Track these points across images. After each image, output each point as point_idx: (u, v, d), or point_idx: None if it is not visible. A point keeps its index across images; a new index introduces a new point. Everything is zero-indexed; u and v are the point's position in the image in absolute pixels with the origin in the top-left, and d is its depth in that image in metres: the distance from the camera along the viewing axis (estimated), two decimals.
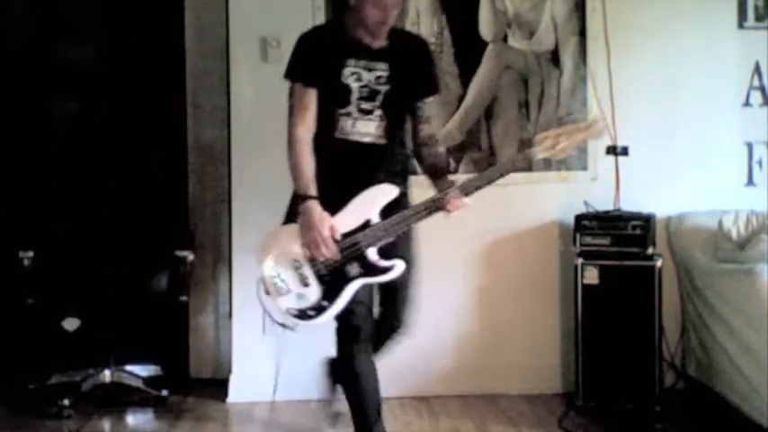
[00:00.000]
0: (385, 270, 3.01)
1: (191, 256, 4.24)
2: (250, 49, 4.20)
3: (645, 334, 3.87)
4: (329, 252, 2.97)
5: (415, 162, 3.36)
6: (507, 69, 4.27)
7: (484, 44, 4.24)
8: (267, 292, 3.06)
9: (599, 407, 3.90)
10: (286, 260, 3.04)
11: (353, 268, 3.00)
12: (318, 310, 3.01)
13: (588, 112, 4.23)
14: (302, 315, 3.03)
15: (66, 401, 3.98)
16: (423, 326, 4.17)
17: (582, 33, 4.25)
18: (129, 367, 4.29)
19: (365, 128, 3.10)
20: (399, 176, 3.18)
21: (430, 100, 3.23)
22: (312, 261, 3.01)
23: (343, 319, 3.08)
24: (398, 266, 3.01)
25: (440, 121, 4.19)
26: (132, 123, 4.76)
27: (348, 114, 3.08)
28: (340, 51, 3.08)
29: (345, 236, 3.00)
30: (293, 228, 3.04)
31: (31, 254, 4.09)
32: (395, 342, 3.34)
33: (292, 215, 3.07)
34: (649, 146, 4.20)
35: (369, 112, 3.09)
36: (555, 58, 4.27)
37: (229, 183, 4.35)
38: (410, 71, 3.14)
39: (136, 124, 4.76)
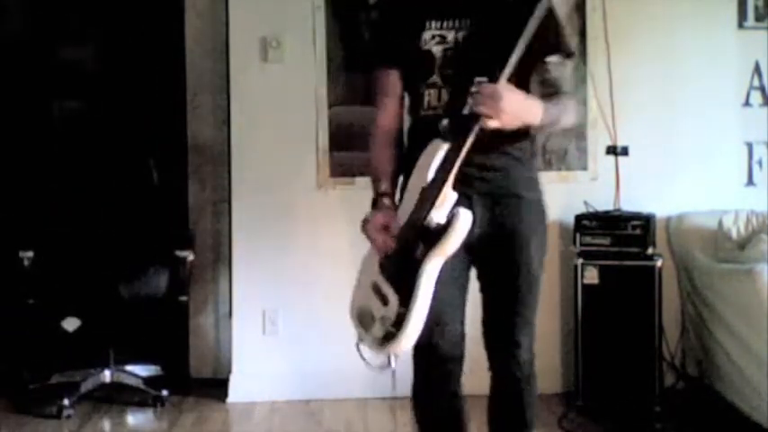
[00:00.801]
0: (444, 228, 2.33)
1: (191, 256, 4.24)
2: (250, 49, 4.20)
3: (645, 334, 3.87)
4: (384, 244, 2.41)
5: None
6: None
7: None
8: (360, 338, 2.51)
9: (599, 407, 3.90)
10: (368, 284, 2.50)
11: (418, 249, 2.36)
12: (398, 322, 2.36)
13: (588, 113, 4.23)
14: (387, 338, 2.40)
15: (66, 401, 3.97)
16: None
17: (582, 33, 4.25)
18: (129, 367, 4.29)
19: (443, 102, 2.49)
20: (508, 165, 2.53)
21: (554, 60, 2.49)
22: (385, 272, 2.45)
23: (423, 347, 2.49)
24: (462, 216, 2.32)
25: None
26: (132, 123, 4.76)
27: (433, 85, 2.49)
28: (418, 13, 2.51)
29: (406, 223, 2.43)
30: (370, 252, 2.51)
31: (30, 254, 4.09)
32: (523, 399, 2.65)
33: None
34: (649, 146, 4.20)
35: (457, 79, 2.45)
36: None
37: (229, 183, 4.35)
38: (508, 28, 2.34)
39: (136, 124, 4.76)
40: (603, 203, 4.10)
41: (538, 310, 2.58)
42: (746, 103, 4.33)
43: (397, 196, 2.53)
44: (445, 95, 2.47)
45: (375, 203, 2.48)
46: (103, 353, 4.21)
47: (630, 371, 3.87)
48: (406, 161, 2.53)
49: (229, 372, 4.29)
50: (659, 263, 3.87)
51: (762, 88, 4.32)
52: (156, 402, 4.13)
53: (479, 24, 2.46)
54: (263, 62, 4.19)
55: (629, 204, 4.08)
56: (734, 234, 4.03)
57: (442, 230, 2.32)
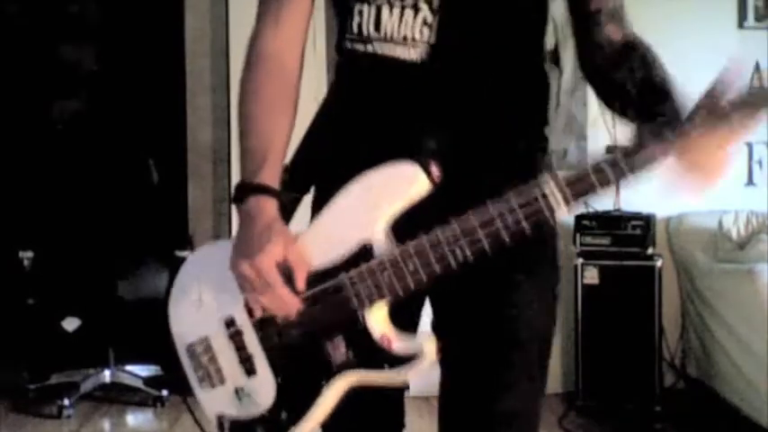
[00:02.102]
0: (397, 360, 1.44)
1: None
2: None
3: (645, 334, 3.86)
4: (286, 310, 1.44)
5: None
6: None
7: None
8: (187, 378, 1.69)
9: (599, 407, 3.90)
10: (215, 317, 1.57)
11: (337, 347, 1.46)
12: (274, 428, 1.52)
13: (588, 112, 4.23)
14: (247, 429, 1.56)
15: (66, 401, 3.97)
16: (422, 326, 4.18)
17: None
18: (129, 367, 4.29)
19: (403, 27, 1.46)
20: (503, 137, 1.52)
21: None
22: (261, 325, 1.51)
23: None
24: (426, 356, 1.44)
25: None
26: (132, 123, 4.76)
27: (370, 2, 1.48)
28: None
29: (325, 274, 1.46)
30: (227, 251, 1.48)
31: (30, 254, 4.09)
32: None
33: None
34: None
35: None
36: (555, 58, 4.26)
37: (229, 183, 4.35)
38: None
39: (135, 124, 4.76)
40: (603, 203, 4.10)
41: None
42: None
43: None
44: (387, 19, 1.46)
45: (245, 196, 1.51)
46: (103, 353, 4.21)
47: (630, 371, 3.87)
48: (323, 127, 1.59)
49: None
50: (659, 263, 3.87)
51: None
52: (156, 402, 4.12)
53: None
54: None
55: (629, 204, 4.08)
56: (734, 234, 4.03)
57: (391, 358, 1.43)
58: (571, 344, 4.04)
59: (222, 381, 1.56)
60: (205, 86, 4.55)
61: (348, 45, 1.50)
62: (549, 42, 4.26)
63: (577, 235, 3.98)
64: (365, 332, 1.43)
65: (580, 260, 3.93)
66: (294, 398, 1.48)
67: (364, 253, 1.42)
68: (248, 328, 1.51)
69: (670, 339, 4.09)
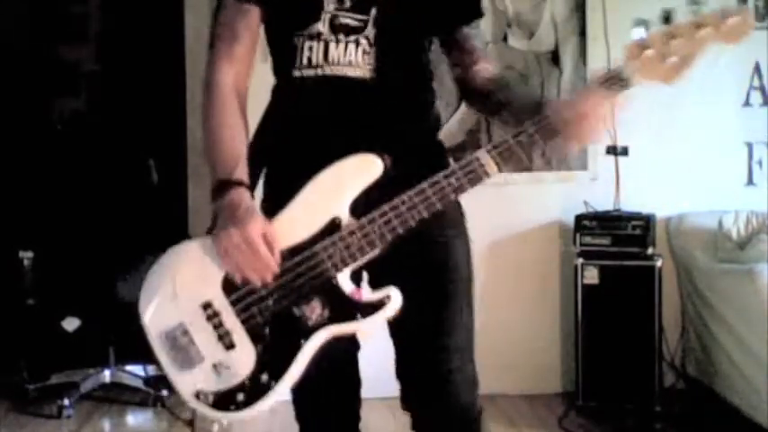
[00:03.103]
0: (370, 308, 1.75)
1: None
2: None
3: (645, 334, 3.86)
4: (267, 273, 1.74)
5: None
6: (507, 69, 4.26)
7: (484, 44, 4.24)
8: (160, 366, 1.92)
9: (599, 407, 3.90)
10: (191, 304, 1.81)
11: (313, 310, 1.74)
12: (254, 390, 1.76)
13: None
14: (225, 402, 1.79)
15: (66, 401, 3.97)
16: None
17: (582, 33, 4.25)
18: (129, 367, 4.29)
19: (347, 56, 1.85)
20: (424, 141, 1.98)
21: (475, 26, 2.05)
22: (239, 303, 1.78)
23: (300, 404, 2.04)
24: (394, 300, 1.75)
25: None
26: (132, 123, 4.76)
27: (316, 36, 1.85)
28: None
29: (295, 250, 1.77)
30: (203, 245, 1.87)
31: (30, 254, 4.09)
32: None
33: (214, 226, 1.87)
34: (649, 146, 4.20)
35: (354, 31, 1.85)
36: (555, 58, 4.27)
37: None
38: None
39: (135, 124, 4.76)
40: (603, 203, 4.10)
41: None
42: (746, 103, 4.32)
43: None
44: (333, 51, 1.84)
45: (221, 190, 1.84)
46: (103, 353, 4.21)
47: (630, 371, 3.87)
48: (269, 137, 1.96)
49: None
50: (659, 263, 3.87)
51: (762, 88, 4.32)
52: (156, 402, 4.13)
53: None
54: (263, 62, 4.17)
55: (629, 204, 4.08)
56: (734, 234, 4.03)
57: (363, 307, 1.74)
58: (571, 344, 4.04)
59: (201, 359, 1.80)
60: None
61: (297, 73, 1.88)
62: (550, 42, 4.26)
63: (577, 235, 3.98)
64: (338, 291, 1.74)
65: (580, 260, 3.93)
66: (275, 360, 1.75)
67: (333, 227, 1.75)
68: (226, 307, 1.78)
69: (670, 339, 4.09)
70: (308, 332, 1.75)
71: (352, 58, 1.85)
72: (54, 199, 4.47)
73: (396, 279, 1.79)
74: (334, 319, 1.76)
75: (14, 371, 4.37)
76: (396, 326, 1.85)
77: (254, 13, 1.92)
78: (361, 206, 1.78)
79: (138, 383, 4.21)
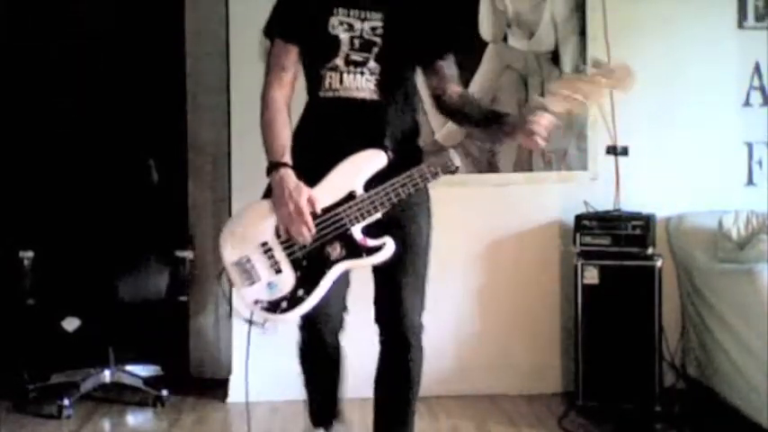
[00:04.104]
0: (372, 250, 2.59)
1: (191, 256, 4.24)
2: (250, 49, 4.19)
3: (645, 334, 3.87)
4: (307, 229, 2.55)
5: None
6: (507, 69, 4.27)
7: (484, 44, 4.25)
8: (232, 283, 2.64)
9: (599, 407, 3.90)
10: (254, 243, 2.62)
11: (335, 250, 2.59)
12: (293, 301, 2.60)
13: (588, 113, 4.23)
14: (273, 308, 2.61)
15: (66, 401, 3.97)
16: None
17: (582, 33, 4.25)
18: (129, 367, 4.29)
19: (356, 82, 2.67)
20: (408, 144, 2.77)
21: (448, 58, 2.79)
22: (285, 243, 2.61)
23: (308, 315, 2.71)
24: (388, 246, 2.59)
25: (440, 122, 4.19)
26: (132, 123, 4.76)
27: (335, 68, 2.68)
28: (327, 0, 2.70)
29: (325, 211, 2.59)
30: (263, 205, 2.64)
31: (30, 254, 4.09)
32: (412, 371, 2.84)
33: (269, 192, 2.64)
34: (649, 146, 4.21)
35: (360, 64, 2.67)
36: (555, 58, 4.27)
37: (229, 183, 4.35)
38: (415, 23, 2.72)
39: (136, 124, 4.76)
40: (603, 203, 4.11)
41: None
42: (746, 103, 4.33)
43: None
44: (346, 79, 2.67)
45: (275, 169, 2.59)
46: (103, 353, 4.21)
47: (630, 371, 3.87)
48: (303, 137, 2.70)
49: (229, 372, 4.29)
50: (659, 263, 3.87)
51: (762, 88, 4.32)
52: (156, 402, 4.13)
53: (390, 18, 2.69)
54: (263, 62, 4.17)
55: (629, 204, 4.08)
56: (734, 234, 4.03)
57: (367, 250, 2.61)
58: (571, 344, 4.04)
59: (259, 278, 2.62)
60: (205, 86, 4.55)
61: (322, 94, 2.70)
62: (550, 42, 4.26)
63: (577, 235, 3.98)
64: (352, 238, 2.60)
65: (580, 260, 3.93)
66: (308, 281, 2.60)
67: (351, 196, 2.61)
68: (276, 245, 2.62)
69: (670, 339, 4.09)
70: (331, 264, 2.61)
71: (359, 84, 2.68)
72: (54, 199, 4.47)
73: (383, 233, 2.63)
74: (348, 256, 2.60)
75: (14, 371, 4.37)
76: (381, 268, 2.69)
77: (294, 50, 2.72)
78: (370, 184, 2.61)
79: (138, 383, 4.22)
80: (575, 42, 4.25)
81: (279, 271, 2.61)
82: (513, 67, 4.26)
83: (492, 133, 2.83)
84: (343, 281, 2.78)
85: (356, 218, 2.59)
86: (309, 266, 2.60)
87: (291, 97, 2.73)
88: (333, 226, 2.60)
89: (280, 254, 2.62)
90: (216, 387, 4.35)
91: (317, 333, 2.84)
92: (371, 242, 2.60)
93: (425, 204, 2.82)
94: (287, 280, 2.61)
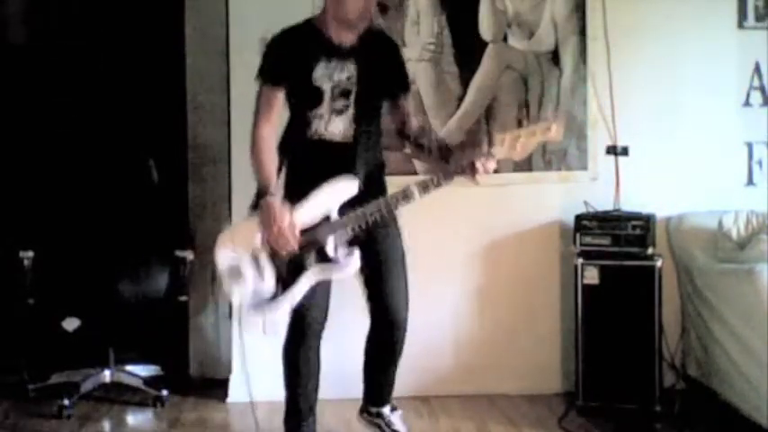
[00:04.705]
0: (340, 263, 3.09)
1: (191, 256, 4.24)
2: (250, 49, 4.19)
3: (645, 334, 3.87)
4: (289, 245, 3.04)
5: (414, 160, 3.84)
6: (507, 69, 4.27)
7: (484, 44, 4.25)
8: (223, 284, 3.13)
9: (599, 407, 3.90)
10: (244, 251, 3.10)
11: (310, 261, 3.09)
12: (273, 300, 3.09)
13: (588, 113, 4.24)
14: (258, 306, 3.10)
15: (66, 401, 3.98)
16: (423, 326, 4.18)
17: (582, 33, 4.25)
18: (129, 367, 4.29)
19: (338, 127, 3.19)
20: (376, 173, 3.30)
21: (406, 97, 3.39)
22: (270, 253, 3.08)
23: (297, 315, 3.21)
24: (354, 261, 3.09)
25: (440, 121, 4.19)
26: (132, 123, 4.76)
27: (321, 116, 3.18)
28: (311, 52, 3.17)
29: (305, 230, 3.08)
30: (253, 221, 3.11)
31: (30, 254, 4.09)
32: (397, 344, 3.38)
33: (256, 207, 3.13)
34: (649, 146, 4.21)
35: (341, 111, 3.19)
36: (555, 58, 4.27)
37: (229, 183, 4.35)
38: (381, 69, 3.24)
39: (136, 124, 4.76)
40: (603, 203, 4.10)
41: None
42: (746, 103, 4.33)
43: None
44: (330, 125, 3.19)
45: (263, 197, 3.08)
46: (103, 353, 4.22)
47: (630, 371, 3.88)
48: (298, 172, 3.23)
49: (229, 372, 4.29)
50: (659, 263, 3.87)
51: (762, 88, 4.32)
52: (156, 402, 4.13)
53: (361, 67, 3.19)
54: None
55: (629, 204, 4.08)
56: (734, 234, 4.03)
57: (335, 263, 3.10)
58: (571, 344, 4.04)
59: (245, 281, 3.08)
60: (205, 86, 4.55)
61: (309, 136, 3.21)
62: (550, 42, 4.26)
63: (577, 235, 3.98)
64: (324, 251, 3.09)
65: (580, 260, 3.93)
66: (287, 283, 3.08)
67: (326, 219, 3.10)
68: (262, 255, 3.09)
69: (670, 339, 4.09)
70: (306, 269, 3.10)
71: (338, 128, 3.20)
72: (54, 199, 4.47)
73: (368, 251, 3.18)
74: (321, 266, 3.10)
75: (14, 371, 4.37)
76: (367, 275, 3.29)
77: (281, 93, 3.21)
78: (344, 207, 3.12)
79: (138, 383, 4.22)
80: (575, 42, 4.25)
81: (263, 275, 3.09)
82: (513, 67, 4.26)
83: (440, 167, 3.19)
84: (326, 291, 3.24)
85: (329, 236, 3.09)
86: (288, 273, 3.08)
87: (277, 131, 3.22)
88: (310, 242, 3.09)
89: (264, 261, 3.09)
90: (216, 387, 4.35)
91: (303, 331, 3.27)
92: (341, 256, 3.09)
93: (395, 223, 3.33)
94: (269, 284, 3.09)
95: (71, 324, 4.20)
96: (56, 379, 4.23)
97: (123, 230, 4.26)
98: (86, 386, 4.14)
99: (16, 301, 4.14)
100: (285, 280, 3.08)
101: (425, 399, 4.20)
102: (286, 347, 3.34)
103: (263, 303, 3.08)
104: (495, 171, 4.34)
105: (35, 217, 4.50)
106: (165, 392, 4.15)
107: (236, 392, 4.22)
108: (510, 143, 3.06)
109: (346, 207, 3.10)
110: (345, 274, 3.11)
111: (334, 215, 3.09)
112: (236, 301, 3.11)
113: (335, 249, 3.09)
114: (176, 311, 4.38)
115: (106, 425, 3.98)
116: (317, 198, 3.11)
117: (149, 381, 4.24)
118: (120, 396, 4.21)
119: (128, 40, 4.80)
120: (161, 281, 4.21)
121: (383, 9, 4.12)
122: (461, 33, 4.23)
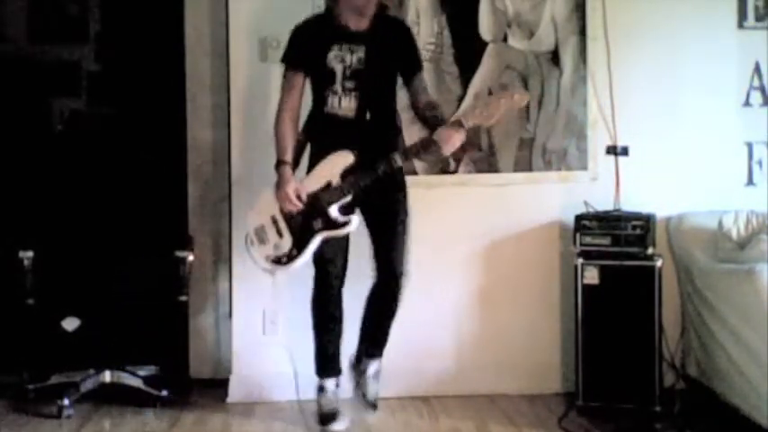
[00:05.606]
0: (342, 225, 3.57)
1: (190, 256, 4.24)
2: (250, 49, 4.20)
3: (645, 334, 3.87)
4: (293, 206, 3.55)
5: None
6: (507, 69, 4.27)
7: (484, 44, 4.24)
8: (252, 243, 3.65)
9: (599, 407, 3.90)
10: (266, 216, 3.63)
11: (317, 223, 3.57)
12: (290, 257, 3.60)
13: (588, 113, 4.24)
14: (277, 261, 3.62)
15: (66, 401, 3.97)
16: (423, 326, 4.18)
17: (582, 33, 4.25)
18: (128, 367, 4.29)
19: (349, 104, 3.60)
20: (385, 147, 3.60)
21: (418, 75, 3.73)
22: (286, 216, 3.59)
23: (320, 270, 3.71)
24: (353, 222, 3.58)
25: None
26: (132, 123, 4.76)
27: (335, 93, 3.61)
28: (326, 38, 3.62)
29: (311, 195, 3.56)
30: (269, 194, 3.64)
31: (30, 254, 4.09)
32: (394, 295, 3.70)
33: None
34: (649, 146, 4.21)
35: (351, 91, 3.60)
36: (555, 58, 4.27)
37: (229, 183, 4.35)
38: (392, 52, 3.65)
39: (135, 124, 4.76)
40: (603, 203, 4.10)
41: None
42: (746, 103, 4.33)
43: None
44: (343, 101, 3.61)
45: (279, 166, 3.59)
46: (103, 353, 4.21)
47: (630, 371, 3.87)
48: (317, 143, 3.67)
49: (229, 372, 4.29)
50: (659, 263, 3.87)
51: (762, 88, 4.32)
52: (156, 402, 4.13)
53: (371, 49, 3.59)
54: (263, 62, 4.18)
55: (629, 204, 4.08)
56: (734, 234, 4.03)
57: (338, 224, 3.57)
58: (571, 344, 4.04)
59: (268, 241, 3.63)
60: (205, 86, 4.55)
61: (324, 110, 3.64)
62: (550, 42, 4.26)
63: (577, 235, 3.98)
64: (329, 215, 3.57)
65: (580, 260, 3.93)
66: (300, 244, 3.59)
67: (328, 185, 3.58)
68: (281, 218, 3.62)
69: (670, 339, 4.09)
70: (315, 233, 3.59)
71: (349, 107, 3.62)
72: (54, 199, 4.48)
73: (374, 213, 3.70)
74: (326, 228, 3.58)
75: (14, 371, 4.37)
76: (374, 234, 3.72)
77: (301, 75, 3.67)
78: (346, 175, 3.57)
79: (138, 383, 4.21)
80: (575, 42, 4.25)
81: (281, 236, 3.61)
82: (513, 67, 4.26)
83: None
84: (342, 249, 3.70)
85: (331, 200, 3.56)
86: (301, 234, 3.59)
87: (300, 107, 3.67)
88: (316, 206, 3.57)
89: (282, 224, 3.62)
90: (216, 387, 4.35)
91: (328, 280, 3.71)
92: (342, 218, 3.58)
93: (399, 190, 3.73)
94: (286, 242, 3.61)
95: (71, 324, 4.20)
96: (55, 379, 4.22)
97: (123, 230, 4.26)
98: (86, 386, 4.13)
99: (16, 301, 4.13)
100: (300, 240, 3.58)
101: (425, 399, 4.19)
102: (314, 299, 3.75)
103: (282, 259, 3.60)
104: (495, 171, 4.34)
105: (35, 217, 4.51)
106: (164, 393, 4.15)
107: (236, 392, 4.22)
108: (479, 113, 3.47)
109: (348, 175, 3.54)
110: (346, 231, 3.60)
111: (336, 182, 3.55)
112: (262, 257, 3.64)
113: (336, 211, 3.55)
114: (176, 311, 4.37)
115: (106, 425, 3.98)
116: (320, 168, 3.60)
117: (149, 381, 4.24)
118: (121, 396, 4.20)
119: (128, 39, 4.80)
120: (161, 281, 4.21)
121: (383, 9, 4.12)
122: (461, 33, 4.23)
